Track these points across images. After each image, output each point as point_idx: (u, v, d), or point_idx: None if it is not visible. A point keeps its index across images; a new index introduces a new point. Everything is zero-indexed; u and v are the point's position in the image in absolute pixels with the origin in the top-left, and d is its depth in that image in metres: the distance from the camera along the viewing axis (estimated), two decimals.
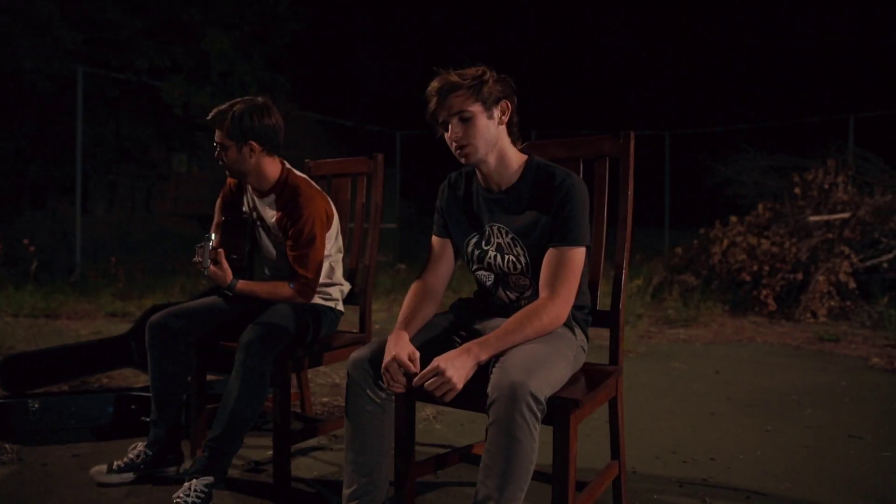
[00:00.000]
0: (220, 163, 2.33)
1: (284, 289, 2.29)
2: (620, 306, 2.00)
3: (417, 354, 1.66)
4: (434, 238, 1.97)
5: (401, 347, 1.67)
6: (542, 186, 1.78)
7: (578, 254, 1.73)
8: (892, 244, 6.25)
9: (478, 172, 1.88)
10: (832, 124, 9.98)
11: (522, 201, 1.81)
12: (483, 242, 1.87)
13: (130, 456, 2.29)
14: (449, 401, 1.60)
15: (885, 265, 6.22)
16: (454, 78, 1.73)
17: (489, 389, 1.54)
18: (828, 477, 2.36)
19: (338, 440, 2.71)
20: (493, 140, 1.77)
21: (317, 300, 2.39)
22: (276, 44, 9.62)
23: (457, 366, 1.59)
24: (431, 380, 1.58)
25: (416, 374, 1.63)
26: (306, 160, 2.79)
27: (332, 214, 2.41)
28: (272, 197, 2.35)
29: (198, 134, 10.59)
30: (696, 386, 3.69)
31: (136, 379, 3.51)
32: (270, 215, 2.36)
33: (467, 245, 1.90)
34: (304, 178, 2.38)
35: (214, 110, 2.27)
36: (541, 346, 1.65)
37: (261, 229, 2.42)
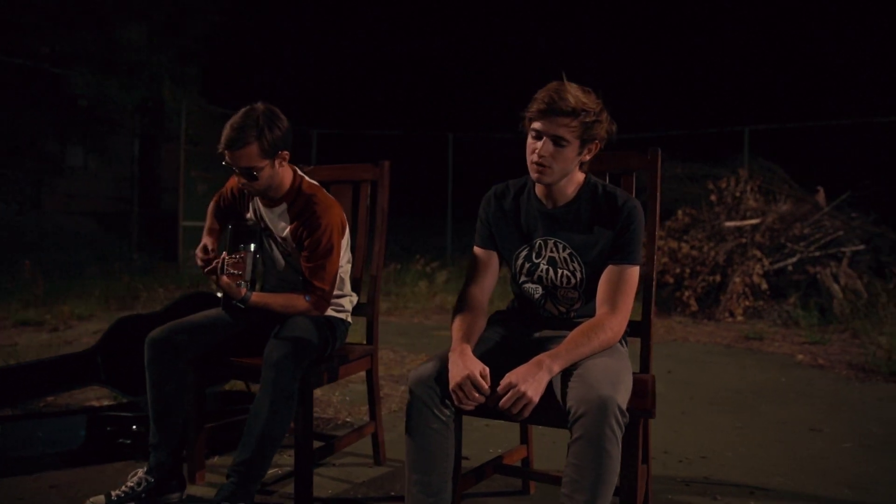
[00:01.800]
0: (248, 190, 2.19)
1: (300, 301, 2.19)
2: (651, 316, 2.07)
3: (487, 371, 1.65)
4: (478, 249, 1.95)
5: (471, 364, 1.65)
6: (603, 206, 1.83)
7: (636, 272, 1.79)
8: (795, 249, 6.81)
9: (537, 187, 1.89)
10: (730, 135, 10.74)
11: (582, 219, 1.84)
12: (534, 255, 1.88)
13: (130, 484, 2.12)
14: (525, 416, 1.60)
15: (790, 268, 6.77)
16: (575, 103, 1.70)
17: (573, 404, 1.55)
18: (808, 469, 2.55)
19: (342, 456, 2.63)
20: (571, 170, 1.79)
21: (329, 312, 2.31)
22: (190, 36, 9.14)
23: (531, 380, 1.59)
24: (507, 396, 1.58)
25: (486, 391, 1.62)
26: (300, 165, 2.68)
27: (346, 223, 2.33)
28: (283, 206, 2.25)
29: (99, 127, 9.88)
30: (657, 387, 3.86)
31: (83, 397, 3.24)
32: (282, 226, 2.25)
33: (516, 258, 1.91)
34: (317, 186, 2.29)
35: (230, 132, 2.07)
36: (609, 359, 1.69)
37: (269, 239, 2.31)
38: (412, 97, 20.77)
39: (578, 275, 1.84)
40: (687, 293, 6.73)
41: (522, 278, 1.92)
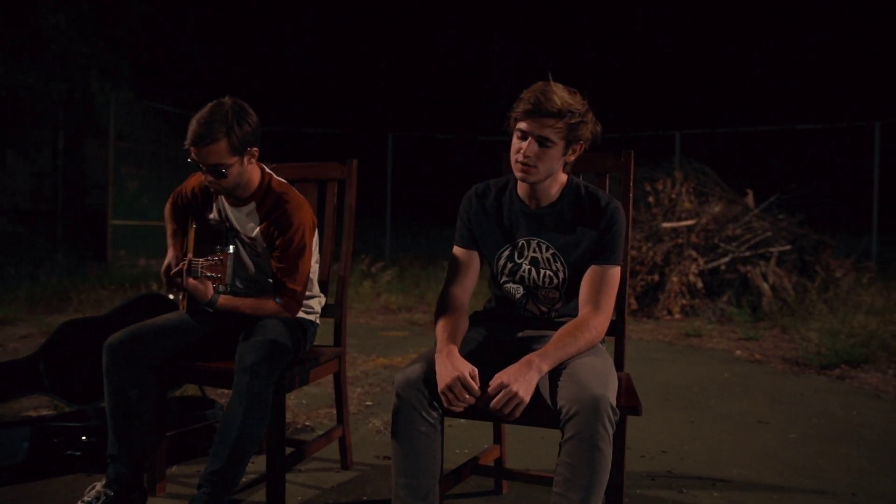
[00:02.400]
0: (214, 189, 2.10)
1: (270, 303, 2.12)
2: (625, 316, 2.11)
3: (476, 371, 1.64)
4: (459, 250, 1.94)
5: (461, 365, 1.63)
6: (586, 207, 1.84)
7: (617, 272, 1.82)
8: (727, 249, 7.10)
9: (520, 187, 1.89)
10: (663, 139, 11.12)
11: (565, 219, 1.85)
12: (516, 255, 1.88)
13: (88, 499, 2.00)
14: (516, 416, 1.60)
15: (723, 267, 7.06)
16: (562, 104, 1.71)
17: (564, 403, 1.56)
18: (763, 460, 2.66)
19: (308, 461, 2.56)
20: (555, 170, 1.80)
21: (299, 314, 2.24)
22: (121, 27, 8.74)
23: (522, 380, 1.59)
24: (499, 396, 1.57)
25: (476, 393, 1.61)
26: (266, 163, 2.59)
27: (316, 222, 2.28)
28: (252, 205, 2.17)
29: (19, 119, 9.31)
30: None
31: (18, 407, 3.04)
32: (251, 226, 2.17)
33: (498, 258, 1.91)
34: (287, 184, 2.22)
35: (198, 128, 1.98)
36: (595, 358, 1.71)
37: (236, 240, 2.22)
38: (352, 96, 20.55)
39: (561, 275, 1.85)
40: (627, 292, 6.89)
41: (504, 278, 1.92)
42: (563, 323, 1.89)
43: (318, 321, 2.35)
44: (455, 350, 1.70)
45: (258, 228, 2.15)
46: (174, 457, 2.46)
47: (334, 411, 3.23)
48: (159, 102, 9.67)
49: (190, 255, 2.03)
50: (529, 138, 1.75)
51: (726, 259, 7.05)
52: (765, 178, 8.33)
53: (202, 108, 2.05)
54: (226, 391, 3.44)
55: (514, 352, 1.88)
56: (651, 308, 6.77)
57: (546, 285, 1.88)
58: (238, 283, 2.26)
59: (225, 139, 1.99)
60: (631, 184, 2.15)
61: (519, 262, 1.88)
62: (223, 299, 2.07)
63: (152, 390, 2.12)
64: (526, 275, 1.88)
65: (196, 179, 2.29)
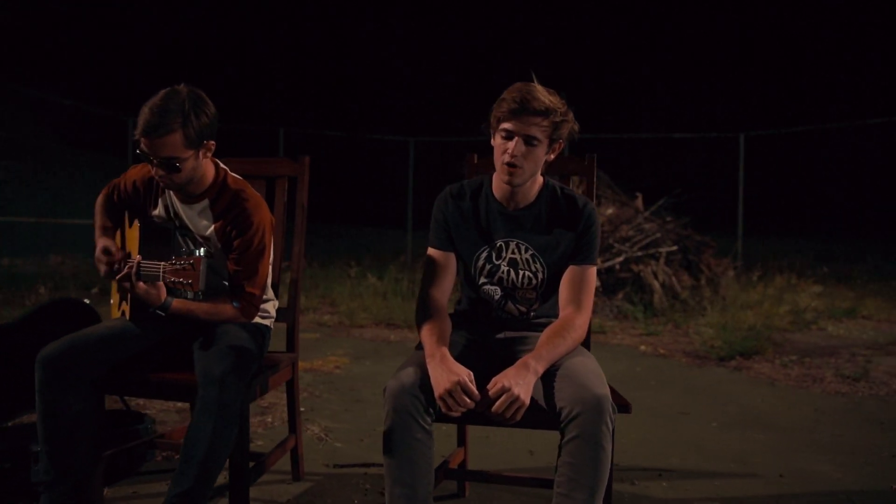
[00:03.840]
0: (165, 184, 1.92)
1: (227, 308, 1.98)
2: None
3: (472, 375, 1.61)
4: (435, 252, 1.90)
5: (457, 369, 1.60)
6: (563, 208, 1.87)
7: (595, 272, 1.86)
8: (621, 249, 7.49)
9: (496, 188, 1.88)
10: None
11: (542, 220, 1.87)
12: (494, 257, 1.87)
13: None
14: (517, 419, 1.59)
15: (618, 266, 7.43)
16: (546, 102, 1.71)
17: (565, 404, 1.57)
18: (694, 449, 2.82)
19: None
20: (538, 170, 1.81)
21: (256, 318, 2.11)
22: None
23: (522, 383, 1.59)
24: (501, 400, 1.56)
25: (476, 397, 1.58)
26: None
27: (274, 221, 2.15)
28: (205, 202, 2.01)
29: None
30: None
31: None
32: (204, 225, 2.02)
33: (476, 259, 1.89)
34: (243, 180, 2.08)
35: (151, 117, 1.81)
36: (585, 358, 1.74)
37: (186, 240, 2.05)
38: (242, 88, 19.70)
39: (540, 275, 1.86)
40: None
41: (482, 279, 1.90)
42: (541, 323, 1.91)
43: (272, 325, 2.22)
44: (448, 354, 1.66)
45: (213, 227, 2.00)
46: (106, 478, 2.24)
47: (268, 419, 3.10)
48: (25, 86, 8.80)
49: (138, 257, 1.84)
50: (516, 138, 1.75)
51: (620, 259, 7.43)
52: (650, 182, 8.85)
53: (151, 98, 1.87)
54: (156, 403, 3.19)
55: (497, 354, 1.87)
56: None
57: (524, 286, 1.88)
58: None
59: (180, 130, 1.83)
60: (594, 186, 2.21)
61: (497, 263, 1.88)
62: (177, 303, 1.91)
63: (94, 407, 1.92)
64: (504, 276, 1.88)
65: (138, 172, 2.10)
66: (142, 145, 1.86)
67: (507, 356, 1.85)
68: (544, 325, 1.90)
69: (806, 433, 3.05)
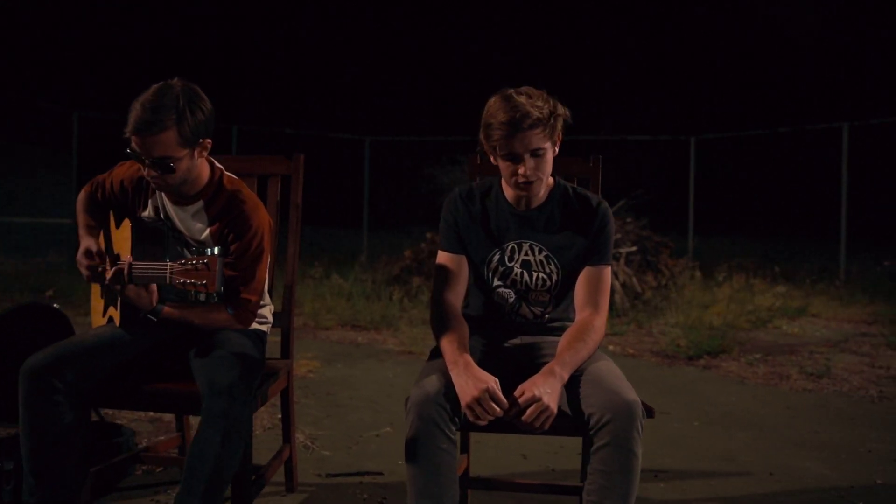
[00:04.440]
0: (158, 185, 1.81)
1: (221, 314, 1.88)
2: None
3: (498, 382, 1.56)
4: (447, 255, 1.85)
5: (484, 376, 1.56)
6: (576, 208, 1.84)
7: (609, 272, 1.84)
8: None
9: (509, 189, 1.84)
10: None
11: (555, 221, 1.83)
12: (506, 259, 1.84)
13: None
14: (546, 428, 1.55)
15: None
16: (535, 111, 1.67)
17: (595, 410, 1.54)
18: (683, 449, 2.84)
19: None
20: (550, 171, 1.77)
21: (254, 324, 2.02)
22: None
23: (550, 391, 1.55)
24: (531, 409, 1.52)
25: (505, 405, 1.54)
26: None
27: (273, 224, 2.06)
28: (200, 204, 1.91)
29: None
30: None
31: None
32: (199, 227, 1.91)
33: (489, 262, 1.85)
34: (239, 180, 1.98)
35: (143, 114, 1.69)
36: (608, 362, 1.72)
37: (178, 243, 1.94)
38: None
39: (554, 277, 1.83)
40: None
41: (496, 282, 1.86)
42: (556, 327, 1.88)
43: (268, 331, 2.13)
44: (471, 361, 1.61)
45: (208, 231, 1.90)
46: (91, 496, 2.10)
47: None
48: None
49: (129, 258, 1.73)
50: (526, 156, 1.71)
51: None
52: (612, 184, 8.98)
53: (142, 94, 1.75)
54: (125, 413, 3.02)
55: (515, 360, 1.83)
56: None
57: (538, 288, 1.84)
58: (174, 294, 1.97)
59: (175, 128, 1.72)
60: (599, 188, 2.19)
61: (510, 265, 1.84)
62: (169, 308, 1.80)
63: (83, 421, 1.79)
64: (518, 278, 1.84)
65: (126, 170, 1.97)
66: (133, 144, 1.75)
67: (525, 362, 1.81)
68: (559, 329, 1.88)
69: (784, 430, 3.12)
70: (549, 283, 1.84)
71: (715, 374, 4.29)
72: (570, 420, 1.61)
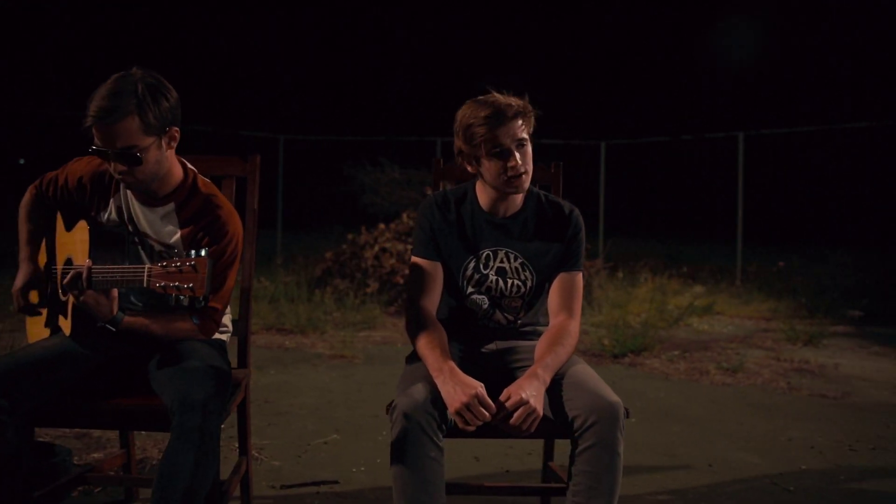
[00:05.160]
0: (128, 182, 1.71)
1: (184, 323, 1.78)
2: None
3: (484, 387, 1.57)
4: (424, 261, 1.84)
5: (471, 382, 1.57)
6: (549, 216, 1.88)
7: (581, 277, 1.89)
8: None
9: (481, 197, 1.86)
10: (425, 144, 11.65)
11: (529, 228, 1.87)
12: (481, 266, 1.85)
13: None
14: (532, 431, 1.57)
15: None
16: (513, 102, 1.72)
17: (579, 413, 1.58)
18: (637, 448, 2.95)
19: None
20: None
21: (216, 334, 1.93)
22: None
23: (535, 394, 1.58)
24: (518, 412, 1.54)
25: (493, 409, 1.55)
26: None
27: None
28: (171, 206, 1.81)
29: None
30: None
31: None
32: (169, 230, 1.81)
33: (464, 269, 1.85)
34: (212, 183, 1.90)
35: (101, 102, 1.60)
36: (583, 366, 1.76)
37: (139, 247, 1.83)
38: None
39: (529, 283, 1.86)
40: None
41: (469, 289, 1.87)
42: (529, 332, 1.91)
43: (228, 340, 2.04)
44: (455, 367, 1.62)
45: (179, 234, 1.80)
46: None
47: None
48: None
49: (88, 261, 1.61)
50: (513, 148, 1.73)
51: None
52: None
53: (101, 85, 1.65)
54: (48, 430, 2.79)
55: (491, 365, 1.85)
56: None
57: (512, 294, 1.87)
58: (133, 298, 1.86)
59: (136, 114, 1.63)
60: (561, 194, 2.24)
61: (485, 272, 1.85)
62: (130, 318, 1.70)
63: (28, 443, 1.66)
64: (493, 285, 1.85)
65: (85, 166, 1.84)
66: (95, 139, 1.64)
67: (501, 366, 1.83)
68: (532, 333, 1.91)
69: (712, 423, 3.31)
70: (523, 289, 1.86)
71: (640, 371, 4.48)
72: (553, 423, 1.64)
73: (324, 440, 2.91)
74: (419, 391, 1.57)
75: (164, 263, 1.50)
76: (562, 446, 2.74)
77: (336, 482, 2.43)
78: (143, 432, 2.80)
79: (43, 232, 1.87)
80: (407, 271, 7.34)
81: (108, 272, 1.57)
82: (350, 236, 8.00)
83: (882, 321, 6.61)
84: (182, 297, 1.50)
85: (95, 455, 2.62)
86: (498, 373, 1.79)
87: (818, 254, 9.20)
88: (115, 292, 1.61)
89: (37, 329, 1.90)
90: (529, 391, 1.57)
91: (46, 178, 1.87)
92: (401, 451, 1.53)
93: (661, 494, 2.42)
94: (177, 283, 1.49)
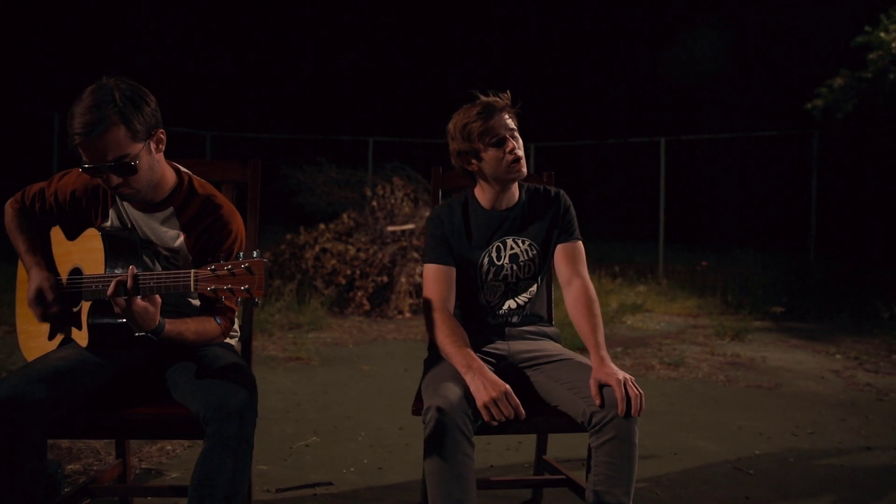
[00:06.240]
0: (124, 194, 1.69)
1: (211, 325, 1.79)
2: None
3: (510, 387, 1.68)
4: (438, 266, 1.94)
5: (501, 381, 1.67)
6: (540, 200, 2.04)
7: (582, 245, 2.05)
8: None
9: (482, 199, 1.97)
10: (358, 143, 11.61)
11: (528, 212, 2.03)
12: (495, 258, 1.96)
13: None
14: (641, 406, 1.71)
15: None
16: (499, 100, 1.92)
17: (601, 406, 1.69)
18: (580, 436, 3.11)
19: None
20: None
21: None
22: None
23: (620, 373, 1.73)
24: (634, 396, 1.70)
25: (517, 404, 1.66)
26: None
27: None
28: (170, 211, 1.80)
29: None
30: (416, 385, 4.10)
31: None
32: (172, 235, 1.80)
33: (480, 266, 1.95)
34: (209, 184, 1.90)
35: (83, 117, 1.57)
36: (584, 360, 1.89)
37: (147, 253, 1.80)
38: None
39: (537, 260, 2.01)
40: (359, 293, 7.12)
41: (487, 280, 1.98)
42: (534, 332, 2.02)
43: (237, 344, 2.04)
44: (484, 365, 1.71)
45: (182, 237, 1.79)
46: None
47: (167, 446, 2.79)
48: None
49: (133, 268, 1.58)
50: (506, 136, 1.89)
51: None
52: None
53: (76, 101, 1.62)
54: None
55: (501, 364, 1.93)
56: (383, 308, 7.08)
57: (526, 275, 2.00)
58: None
59: (121, 122, 1.61)
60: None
61: (500, 263, 1.97)
62: (169, 325, 1.68)
63: (44, 458, 1.61)
64: (509, 272, 1.98)
65: (75, 179, 1.81)
66: (84, 158, 1.61)
67: (513, 366, 1.93)
68: (537, 333, 2.03)
69: (669, 415, 3.53)
70: (533, 267, 2.00)
71: None
72: (569, 418, 1.76)
73: (304, 443, 2.92)
74: (452, 391, 1.64)
75: (213, 267, 1.49)
76: (554, 440, 2.88)
77: (331, 483, 2.46)
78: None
79: (40, 242, 1.81)
80: (349, 272, 7.37)
81: (154, 278, 1.55)
82: (289, 236, 7.90)
83: (799, 316, 7.16)
84: (238, 300, 1.48)
85: (71, 466, 2.54)
86: (507, 374, 1.88)
87: (733, 254, 9.84)
88: (159, 299, 1.59)
89: (36, 343, 1.84)
90: (618, 373, 1.71)
91: (30, 194, 1.82)
92: (437, 448, 1.60)
93: (637, 483, 2.58)
94: (229, 286, 1.47)
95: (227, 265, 1.48)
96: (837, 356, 5.16)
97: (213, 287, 1.48)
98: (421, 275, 7.40)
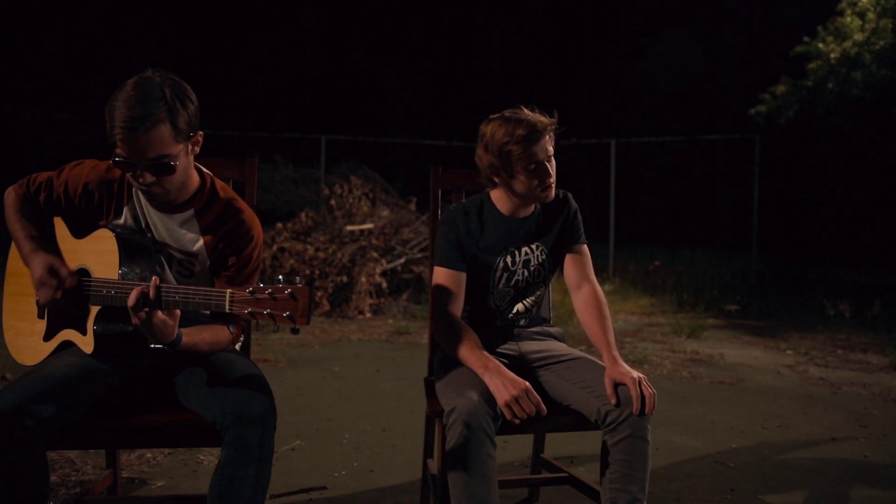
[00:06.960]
0: (155, 193, 1.62)
1: (224, 333, 1.73)
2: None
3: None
4: (449, 271, 1.93)
5: (520, 379, 1.68)
6: (552, 205, 2.05)
7: (587, 247, 2.07)
8: (403, 251, 7.79)
9: (503, 203, 1.97)
10: (309, 142, 11.44)
11: (542, 220, 2.03)
12: (510, 264, 1.96)
13: None
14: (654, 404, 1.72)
15: (399, 267, 7.71)
16: (545, 119, 1.86)
17: (615, 405, 1.71)
18: (574, 436, 3.17)
19: None
20: None
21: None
22: None
23: (634, 372, 1.74)
24: (648, 396, 1.71)
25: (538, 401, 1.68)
26: None
27: None
28: (190, 213, 1.73)
29: None
30: (391, 385, 4.07)
31: None
32: (191, 238, 1.73)
33: (494, 271, 1.95)
34: (229, 187, 1.84)
35: (131, 111, 1.50)
36: (595, 359, 1.91)
37: (162, 257, 1.73)
38: None
39: (547, 265, 2.02)
40: (319, 293, 7.02)
41: (499, 285, 1.98)
42: (539, 332, 2.04)
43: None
44: (501, 365, 1.72)
45: (201, 241, 1.73)
46: None
47: (148, 453, 2.69)
48: None
49: (155, 279, 1.50)
50: (545, 164, 1.86)
51: (402, 260, 7.73)
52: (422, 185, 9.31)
53: (118, 92, 1.55)
54: None
55: (510, 365, 1.94)
56: (343, 308, 7.01)
57: (535, 280, 2.01)
58: None
59: (168, 121, 1.56)
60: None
61: (513, 269, 1.97)
62: (186, 336, 1.61)
63: (46, 470, 1.53)
64: (521, 278, 1.99)
65: (89, 171, 1.72)
66: (121, 151, 1.54)
67: (522, 367, 1.94)
68: (542, 334, 2.04)
69: None
70: (543, 272, 2.02)
71: None
72: (581, 416, 1.78)
73: (290, 447, 2.86)
74: (472, 392, 1.64)
75: (251, 289, 1.42)
76: (551, 438, 2.89)
77: (325, 487, 2.42)
78: (90, 451, 2.61)
79: (41, 232, 1.71)
80: (308, 272, 7.25)
81: (181, 293, 1.48)
82: None
83: (749, 314, 7.43)
84: (280, 325, 1.42)
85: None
86: (518, 373, 1.88)
87: (682, 254, 10.16)
88: (179, 312, 1.52)
89: (28, 342, 1.74)
90: (630, 374, 1.72)
91: (35, 182, 1.72)
92: (461, 450, 1.59)
93: None
94: (269, 311, 1.41)
95: (268, 289, 1.41)
96: (788, 352, 5.39)
97: (249, 310, 1.42)
98: (381, 275, 7.36)
